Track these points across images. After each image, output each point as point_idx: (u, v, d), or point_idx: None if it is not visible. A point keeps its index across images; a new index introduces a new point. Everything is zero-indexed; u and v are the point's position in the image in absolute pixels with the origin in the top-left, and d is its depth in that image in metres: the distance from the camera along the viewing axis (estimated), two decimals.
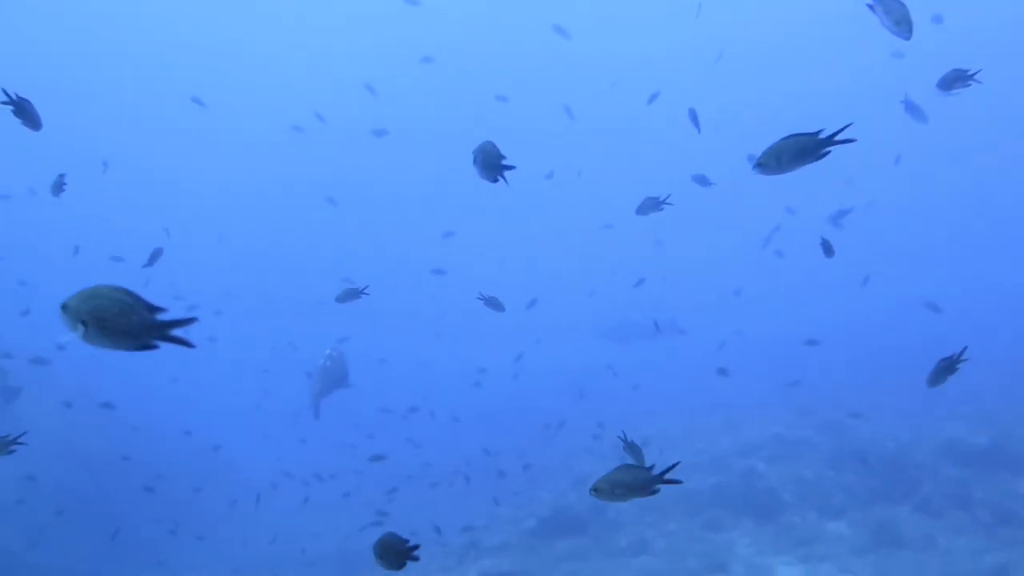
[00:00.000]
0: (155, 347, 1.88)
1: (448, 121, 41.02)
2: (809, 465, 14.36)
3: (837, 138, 3.66)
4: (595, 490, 3.66)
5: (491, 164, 3.79)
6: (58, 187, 8.06)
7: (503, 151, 3.80)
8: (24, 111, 5.20)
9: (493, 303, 7.39)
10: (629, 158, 41.79)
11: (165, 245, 10.60)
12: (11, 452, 4.03)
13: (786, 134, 3.80)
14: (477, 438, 19.01)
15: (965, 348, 5.23)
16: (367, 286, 7.49)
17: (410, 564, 12.73)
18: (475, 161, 3.86)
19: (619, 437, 5.38)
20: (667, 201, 7.31)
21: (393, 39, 38.16)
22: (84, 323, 1.84)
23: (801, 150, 3.72)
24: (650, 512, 13.92)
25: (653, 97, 14.27)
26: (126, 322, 1.85)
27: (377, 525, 14.78)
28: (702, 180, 10.59)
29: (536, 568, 12.43)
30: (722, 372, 12.52)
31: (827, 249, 6.79)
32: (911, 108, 10.29)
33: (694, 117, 9.96)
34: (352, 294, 7.60)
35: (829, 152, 3.77)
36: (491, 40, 39.69)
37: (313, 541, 16.95)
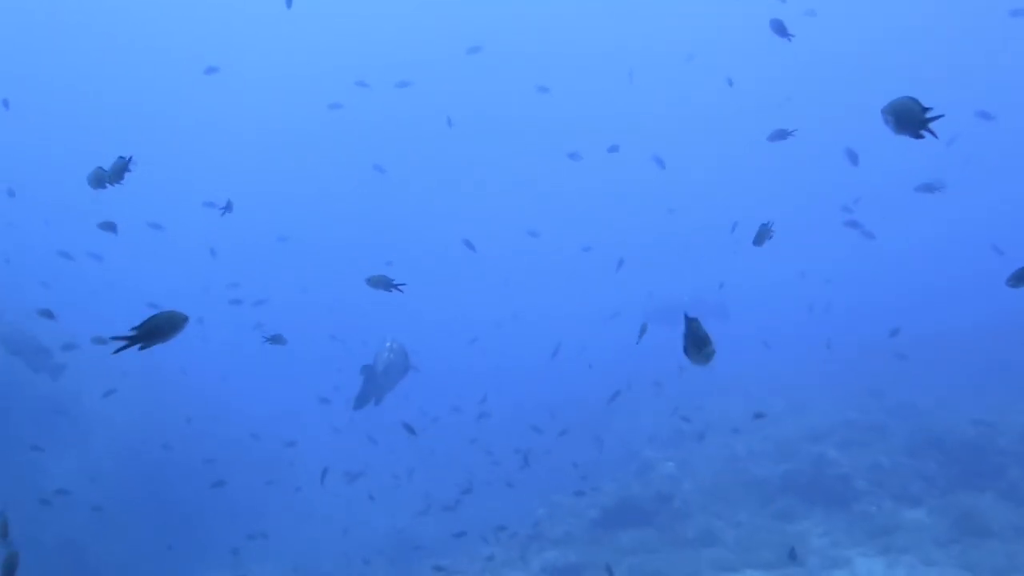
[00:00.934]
0: None
1: (500, 106, 40.97)
2: (883, 451, 13.78)
3: (931, 126, 3.74)
4: None
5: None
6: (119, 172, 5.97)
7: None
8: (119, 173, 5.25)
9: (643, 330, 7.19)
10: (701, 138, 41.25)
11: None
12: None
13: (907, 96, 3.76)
14: (541, 424, 18.85)
15: None
16: (404, 284, 7.04)
17: (474, 556, 12.51)
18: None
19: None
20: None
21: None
22: None
23: (907, 118, 3.73)
24: (717, 501, 13.58)
25: (731, 82, 13.59)
26: None
27: (438, 515, 14.79)
28: (780, 134, 10.08)
29: (601, 560, 12.17)
30: (828, 347, 12.35)
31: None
32: None
33: (780, 28, 9.27)
34: (384, 283, 7.17)
35: (923, 136, 3.82)
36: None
37: (370, 534, 17.07)
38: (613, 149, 17.34)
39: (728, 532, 12.44)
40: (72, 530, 13.88)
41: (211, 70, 19.55)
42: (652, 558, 11.93)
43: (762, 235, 6.71)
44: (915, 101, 3.68)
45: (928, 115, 3.63)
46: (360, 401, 11.67)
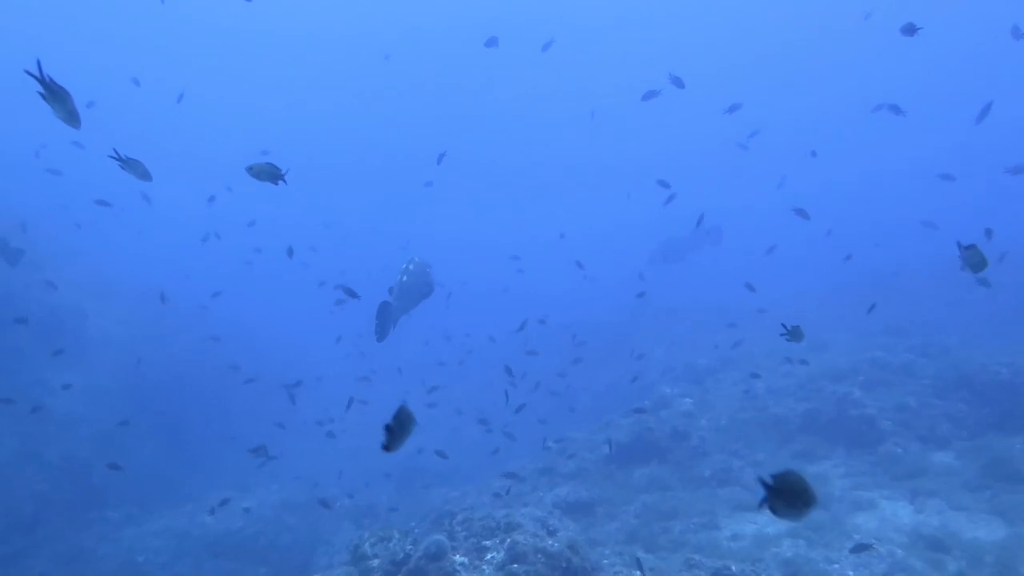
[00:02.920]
0: None
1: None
2: (910, 391, 13.26)
3: None
4: None
5: None
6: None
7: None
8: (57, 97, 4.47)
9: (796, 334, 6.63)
10: None
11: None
12: None
13: None
14: (558, 356, 18.45)
15: None
16: (287, 171, 5.98)
17: (483, 489, 12.05)
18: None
19: None
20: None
21: None
22: None
23: None
24: (735, 440, 13.17)
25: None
26: None
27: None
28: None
29: (615, 497, 11.88)
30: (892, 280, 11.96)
31: None
32: None
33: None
34: (269, 172, 5.85)
35: None
36: None
37: (380, 462, 16.88)
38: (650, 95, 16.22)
39: (746, 471, 12.05)
40: (76, 447, 13.68)
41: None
42: (667, 496, 11.58)
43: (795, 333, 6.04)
44: None
45: None
46: (380, 333, 11.20)
